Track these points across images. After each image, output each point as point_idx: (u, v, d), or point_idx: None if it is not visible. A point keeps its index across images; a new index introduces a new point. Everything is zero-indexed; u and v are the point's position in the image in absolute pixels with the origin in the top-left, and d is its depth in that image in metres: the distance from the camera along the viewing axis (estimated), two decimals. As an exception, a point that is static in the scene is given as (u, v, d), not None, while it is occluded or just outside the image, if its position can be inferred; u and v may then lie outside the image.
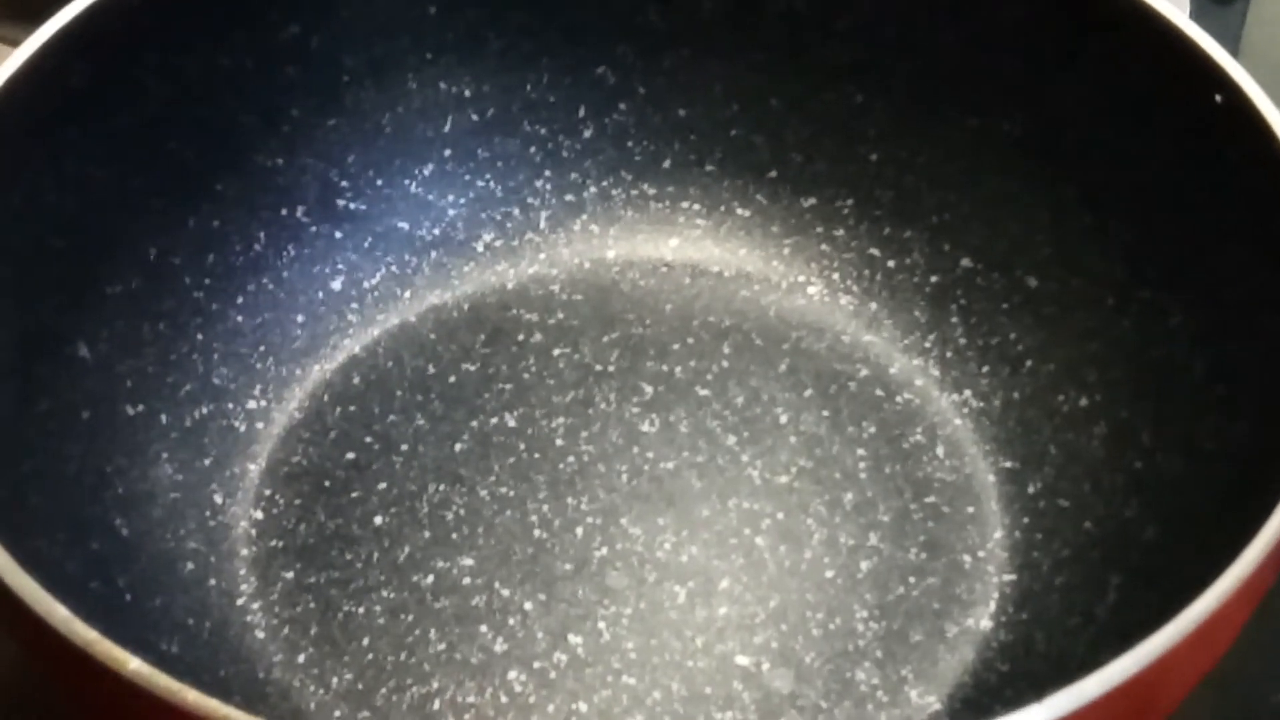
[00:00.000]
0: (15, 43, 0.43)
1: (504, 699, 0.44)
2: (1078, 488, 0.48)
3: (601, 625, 0.46)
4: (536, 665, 0.45)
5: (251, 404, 0.50)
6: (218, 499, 0.48)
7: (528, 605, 0.46)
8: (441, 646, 0.45)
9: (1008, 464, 0.49)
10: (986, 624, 0.46)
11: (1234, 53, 0.44)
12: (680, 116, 0.55)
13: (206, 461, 0.48)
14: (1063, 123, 0.51)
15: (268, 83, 0.51)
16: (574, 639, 0.45)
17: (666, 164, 0.56)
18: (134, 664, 0.32)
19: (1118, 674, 0.34)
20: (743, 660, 0.45)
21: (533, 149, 0.55)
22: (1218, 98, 0.46)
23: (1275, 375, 0.43)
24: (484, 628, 0.45)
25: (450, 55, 0.54)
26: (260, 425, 0.50)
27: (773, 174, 0.55)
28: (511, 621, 0.46)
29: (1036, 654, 0.45)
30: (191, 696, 0.32)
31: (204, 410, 0.49)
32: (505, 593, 0.46)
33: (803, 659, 0.45)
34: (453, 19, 0.53)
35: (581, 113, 0.55)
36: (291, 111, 0.52)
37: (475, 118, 0.55)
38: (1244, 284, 0.45)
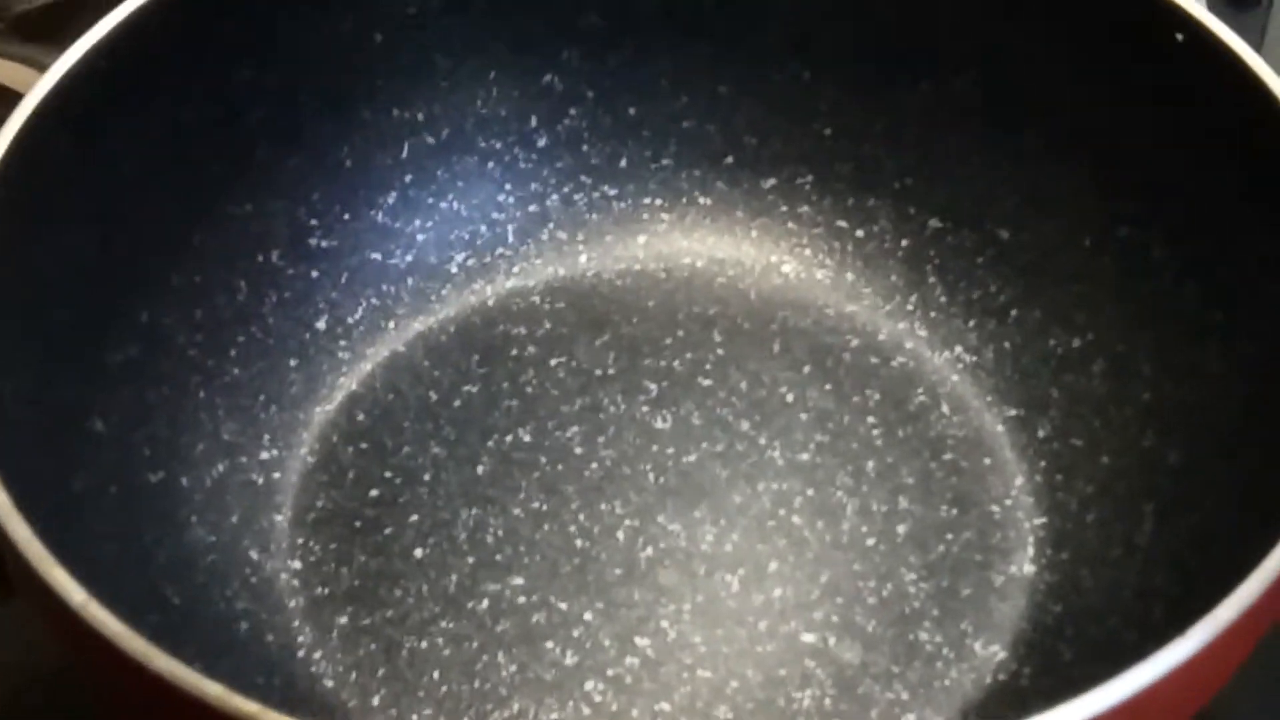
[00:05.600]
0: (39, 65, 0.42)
1: (587, 710, 0.44)
2: (1087, 425, 0.49)
3: (664, 624, 0.46)
4: (611, 673, 0.45)
5: (264, 455, 0.49)
6: (254, 555, 0.47)
7: (588, 615, 0.46)
8: (513, 668, 0.45)
9: (1012, 412, 0.51)
10: (1029, 569, 0.47)
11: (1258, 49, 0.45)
12: (631, 115, 0.56)
13: (234, 519, 0.48)
14: (1015, 74, 0.52)
15: (230, 128, 0.50)
16: (641, 641, 0.46)
17: (623, 163, 0.56)
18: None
19: (1247, 595, 0.35)
20: (809, 638, 0.46)
21: (490, 164, 0.55)
22: (1179, 36, 0.47)
23: (1272, 293, 0.45)
24: (550, 643, 0.46)
25: (399, 80, 0.54)
26: (277, 475, 0.49)
27: (729, 160, 0.56)
28: (576, 633, 0.46)
29: (1086, 589, 0.46)
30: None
31: (220, 468, 0.48)
32: (563, 606, 0.46)
33: (865, 628, 0.46)
34: (398, 43, 0.53)
35: (534, 122, 0.55)
36: (256, 155, 0.51)
37: (431, 140, 0.55)
38: (1223, 208, 0.47)
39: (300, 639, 0.46)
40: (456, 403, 0.51)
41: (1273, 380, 0.44)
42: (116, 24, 0.46)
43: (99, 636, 0.35)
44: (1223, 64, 0.46)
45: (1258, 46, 0.45)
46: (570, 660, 0.45)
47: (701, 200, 0.56)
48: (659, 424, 0.51)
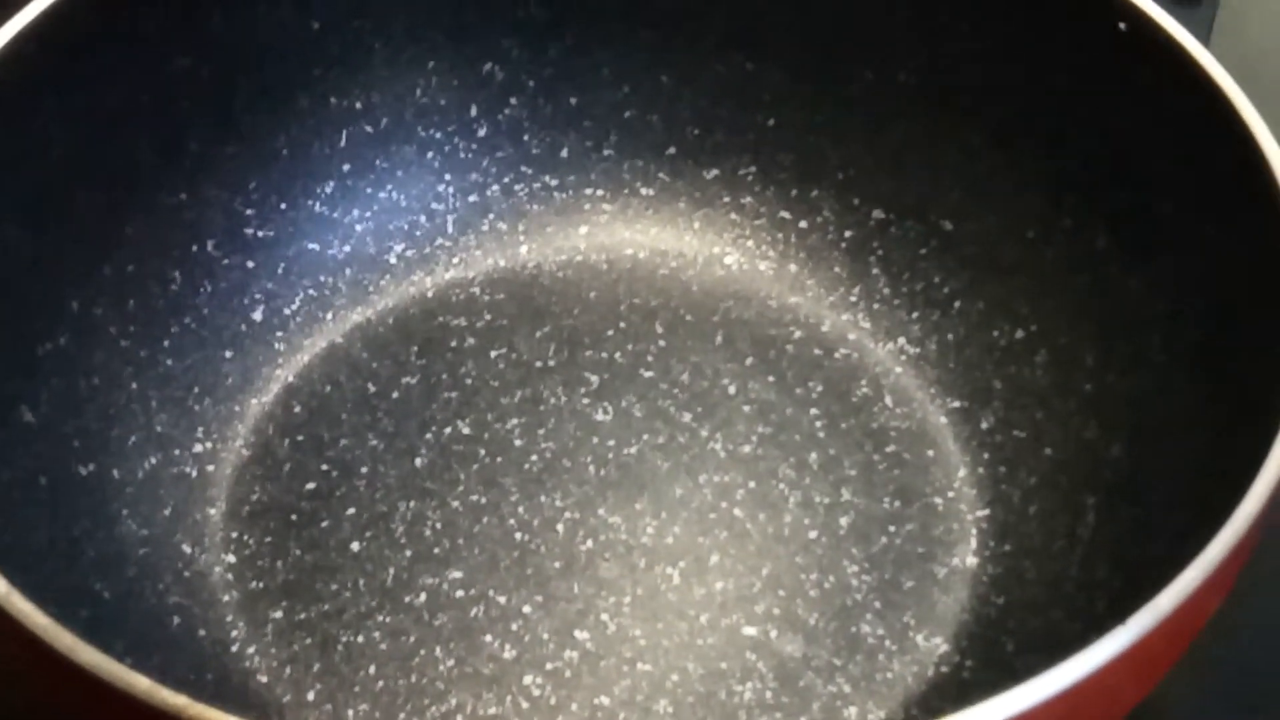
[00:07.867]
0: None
1: (525, 704, 0.44)
2: (1030, 417, 0.49)
3: (604, 617, 0.45)
4: (549, 666, 0.44)
5: (198, 447, 0.49)
6: (186, 549, 0.46)
7: (526, 609, 0.46)
8: (450, 663, 0.44)
9: (955, 404, 0.51)
10: (972, 561, 0.47)
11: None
12: (572, 104, 0.55)
13: (166, 512, 0.47)
14: (959, 66, 0.52)
15: (164, 117, 0.50)
16: (580, 635, 0.45)
17: (564, 153, 0.55)
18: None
19: (1187, 585, 0.34)
20: (750, 631, 0.45)
21: (430, 154, 0.55)
22: (1121, 26, 0.47)
23: (1219, 282, 0.45)
24: (488, 637, 0.45)
25: (337, 69, 0.53)
26: (211, 468, 0.49)
27: (671, 150, 0.56)
28: (514, 627, 0.45)
29: (1029, 582, 0.46)
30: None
31: (153, 460, 0.47)
32: (501, 600, 0.46)
33: (807, 621, 0.46)
34: (336, 32, 0.53)
35: (474, 112, 0.55)
36: (189, 144, 0.50)
37: (369, 129, 0.54)
38: (1167, 200, 0.47)
39: (234, 634, 0.45)
40: (395, 395, 0.51)
41: (1215, 371, 0.44)
42: (45, 8, 0.45)
43: (23, 629, 0.34)
44: (1166, 54, 0.46)
45: (1205, 43, 0.44)
46: (509, 654, 0.45)
47: (643, 191, 0.56)
48: (600, 416, 0.50)
